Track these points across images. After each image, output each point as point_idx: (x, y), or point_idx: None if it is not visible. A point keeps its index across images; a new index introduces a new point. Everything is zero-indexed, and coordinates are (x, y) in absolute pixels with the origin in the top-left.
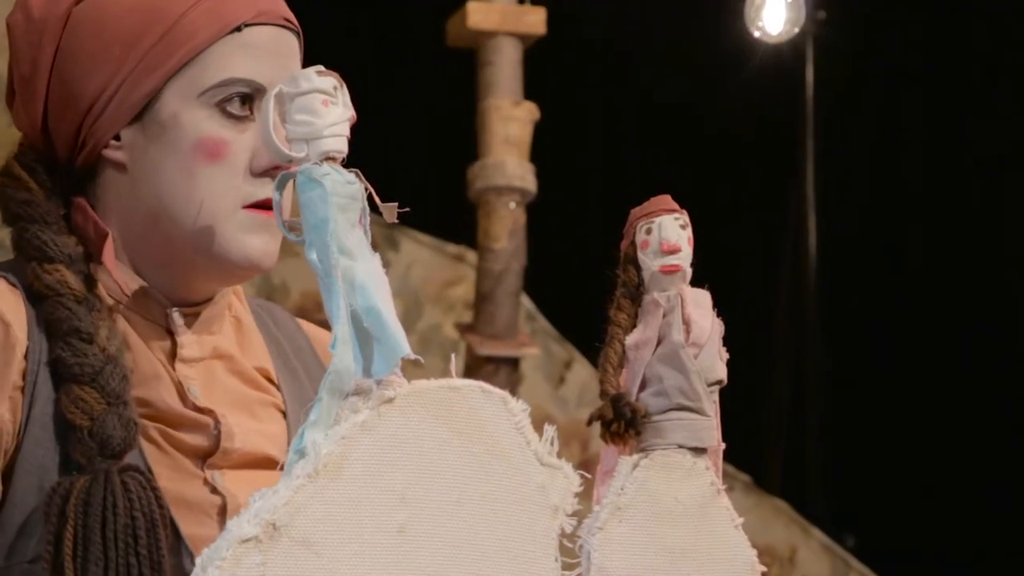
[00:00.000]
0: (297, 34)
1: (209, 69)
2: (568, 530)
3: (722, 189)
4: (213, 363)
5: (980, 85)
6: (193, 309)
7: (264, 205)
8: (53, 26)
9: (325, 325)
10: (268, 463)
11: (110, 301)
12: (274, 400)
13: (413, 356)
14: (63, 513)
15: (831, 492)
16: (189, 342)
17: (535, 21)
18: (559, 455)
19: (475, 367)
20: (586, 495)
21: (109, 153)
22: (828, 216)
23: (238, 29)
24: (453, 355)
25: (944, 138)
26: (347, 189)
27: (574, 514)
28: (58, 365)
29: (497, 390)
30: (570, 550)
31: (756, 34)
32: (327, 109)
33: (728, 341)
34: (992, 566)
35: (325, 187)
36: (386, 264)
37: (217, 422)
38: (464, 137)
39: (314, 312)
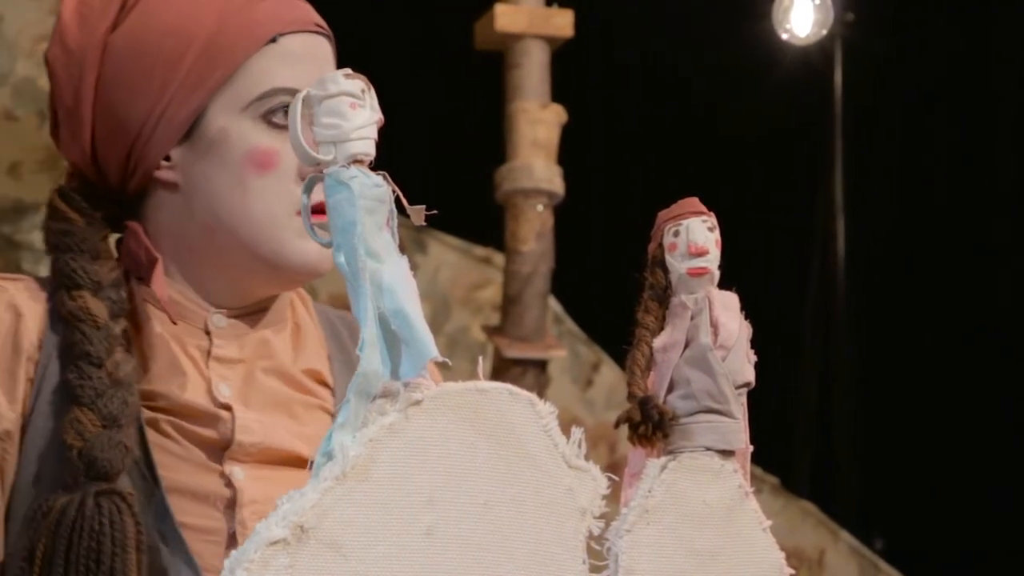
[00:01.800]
0: (329, 38)
1: (250, 82)
2: (596, 533)
3: (750, 191)
4: (253, 365)
5: (1009, 87)
6: (241, 311)
7: (317, 209)
8: (92, 56)
9: None
10: (299, 462)
11: (176, 319)
12: (321, 403)
13: (441, 358)
14: (39, 530)
15: (860, 494)
16: (227, 343)
17: (563, 24)
18: (587, 457)
19: (503, 369)
20: (614, 498)
21: (161, 174)
22: (856, 218)
23: (273, 40)
24: (481, 357)
25: (972, 140)
26: (375, 192)
27: (602, 517)
28: (65, 387)
29: (525, 392)
30: (598, 552)
31: (784, 36)
32: (355, 112)
33: (756, 344)
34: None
35: (353, 190)
36: (414, 267)
37: (233, 416)
38: (492, 140)
39: None
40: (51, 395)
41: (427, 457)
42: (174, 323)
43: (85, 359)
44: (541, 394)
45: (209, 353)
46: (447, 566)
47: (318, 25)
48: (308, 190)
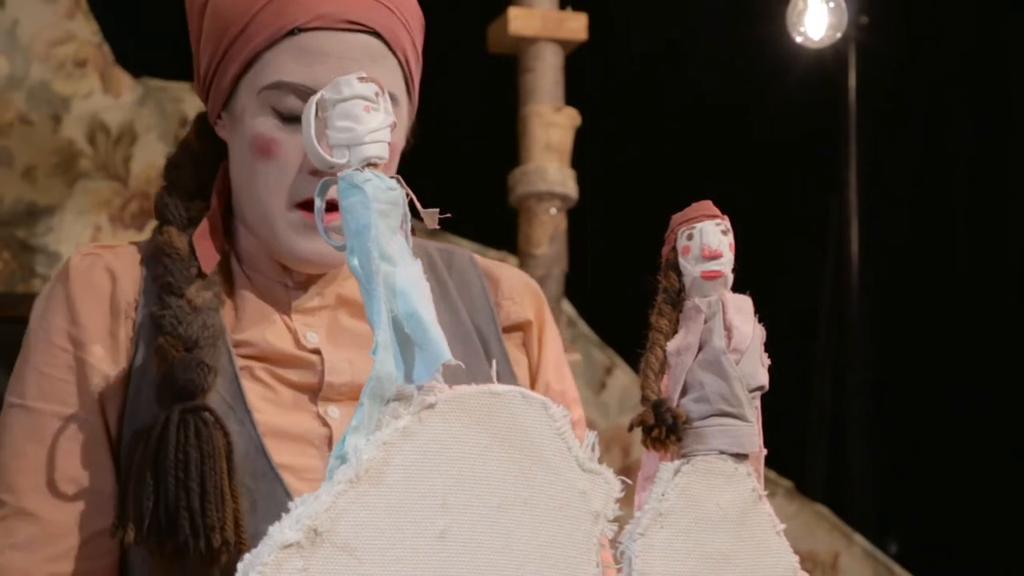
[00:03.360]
0: (374, 33)
1: (265, 71)
2: (609, 536)
3: (764, 195)
4: (337, 310)
5: None
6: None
7: (312, 205)
8: (200, 4)
9: None
10: None
11: (208, 269)
12: None
13: (454, 362)
14: (130, 453)
15: (874, 498)
16: (309, 295)
17: (576, 27)
18: (600, 461)
19: None
20: (627, 501)
21: (218, 129)
22: (870, 221)
23: (292, 33)
24: (494, 361)
25: (988, 144)
26: (388, 195)
27: (615, 520)
28: (152, 318)
29: (538, 396)
30: (612, 556)
31: (798, 40)
32: (368, 115)
33: (770, 347)
34: None
35: (366, 193)
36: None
37: (323, 359)
38: (505, 143)
39: None
40: (148, 341)
41: (441, 460)
42: (203, 274)
43: (167, 290)
44: None
45: (291, 306)
46: (460, 569)
47: (353, 23)
48: (323, 193)
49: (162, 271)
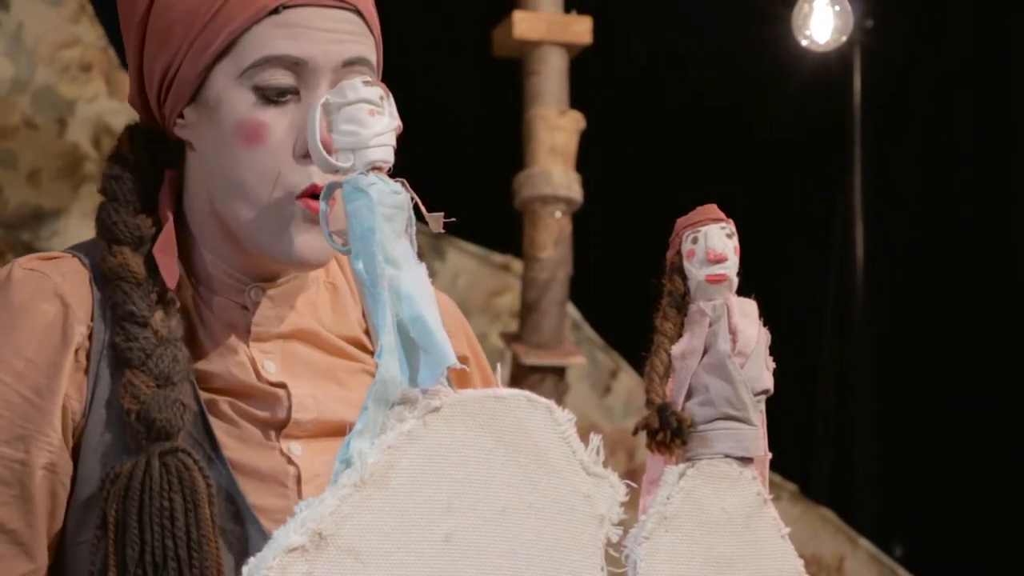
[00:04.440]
0: (357, 11)
1: (247, 50)
2: (614, 539)
3: (769, 198)
4: (293, 339)
5: None
6: (270, 285)
7: (312, 194)
8: (142, 4)
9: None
10: (339, 428)
11: (171, 284)
12: (364, 366)
13: (459, 365)
14: (109, 497)
15: (879, 502)
16: (267, 319)
17: (581, 30)
18: (605, 464)
19: (521, 376)
20: (632, 504)
21: (178, 131)
22: (875, 224)
23: (275, 11)
24: (499, 364)
25: (992, 145)
26: (393, 199)
27: (620, 523)
28: (113, 349)
29: (543, 399)
30: (616, 559)
31: (803, 43)
32: (373, 119)
33: (775, 350)
34: None
35: (371, 197)
36: (432, 274)
37: (289, 394)
38: (510, 146)
39: None
40: (111, 373)
41: (445, 464)
42: (163, 299)
43: (130, 319)
44: (559, 401)
45: (249, 332)
46: (465, 572)
47: None
48: (327, 197)
49: (122, 298)
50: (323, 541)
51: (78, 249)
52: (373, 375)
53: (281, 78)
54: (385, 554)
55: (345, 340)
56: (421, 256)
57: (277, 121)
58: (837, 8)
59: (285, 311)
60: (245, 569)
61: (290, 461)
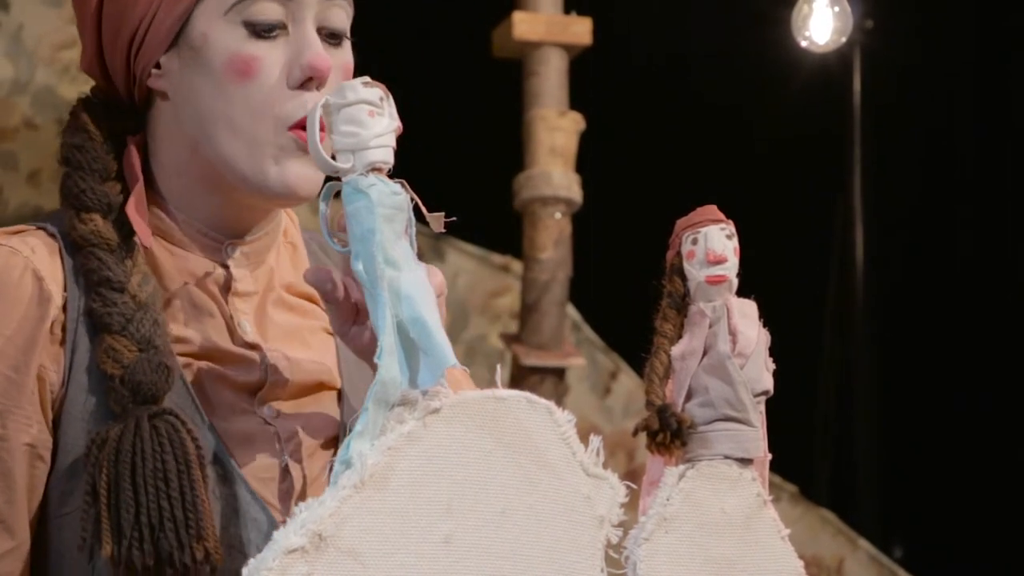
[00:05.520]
0: None
1: None
2: (614, 541)
3: (769, 199)
4: (265, 297)
5: None
6: (245, 240)
7: (299, 126)
8: None
9: None
10: (319, 388)
11: (148, 244)
12: (322, 324)
13: (460, 367)
14: (97, 462)
15: (878, 503)
16: (243, 276)
17: (581, 31)
18: (605, 466)
19: (521, 377)
20: (632, 506)
21: (152, 82)
22: (875, 226)
23: None
24: (499, 365)
25: (993, 147)
26: (393, 200)
27: (620, 525)
28: (90, 315)
29: (543, 400)
30: (616, 561)
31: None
32: (373, 120)
33: (774, 351)
34: None
35: (371, 198)
36: (431, 276)
37: (264, 357)
38: (510, 147)
39: None
40: (90, 340)
41: (445, 465)
42: (147, 247)
43: (106, 285)
44: (559, 402)
45: (229, 288)
46: (465, 574)
47: None
48: (327, 198)
49: (96, 264)
50: (323, 542)
51: (41, 220)
52: (329, 332)
53: (270, 11)
54: (385, 555)
55: (304, 298)
56: (421, 257)
57: (268, 54)
58: (836, 9)
59: (259, 267)
60: (245, 570)
61: (266, 422)
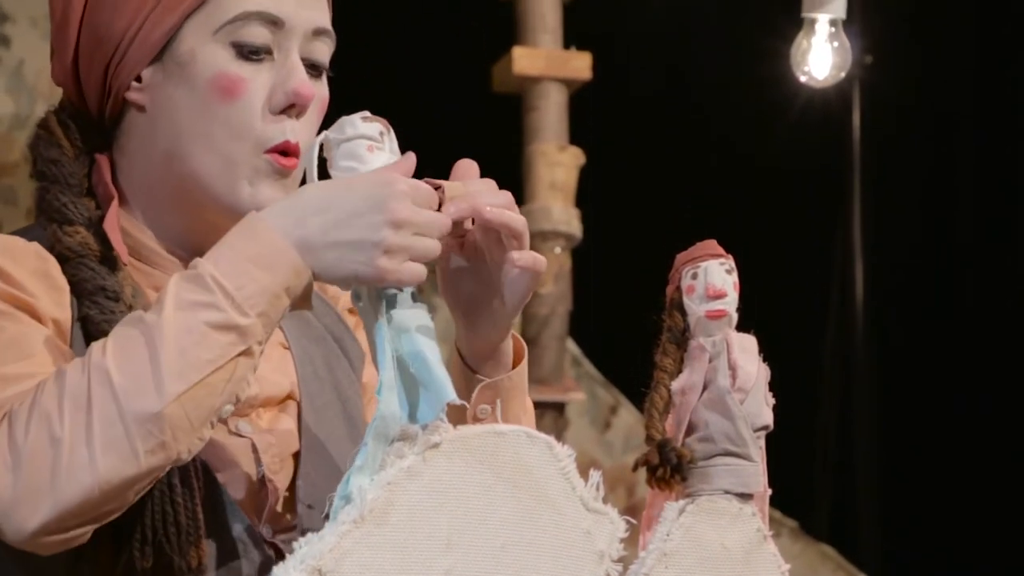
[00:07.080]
0: None
1: (224, 5)
2: None
3: (768, 234)
4: None
5: None
6: None
7: (284, 150)
8: None
9: None
10: (286, 399)
11: (126, 260)
12: (279, 339)
13: (459, 401)
14: None
15: (879, 538)
16: None
17: (580, 66)
18: (605, 500)
19: None
20: (632, 541)
21: (131, 95)
22: (875, 261)
23: None
24: (498, 400)
25: (993, 181)
26: None
27: (620, 560)
28: (87, 323)
29: (542, 435)
30: None
31: (802, 79)
32: (372, 155)
33: (775, 386)
34: None
35: None
36: (432, 309)
37: None
38: (510, 182)
39: None
40: (84, 345)
41: (445, 500)
42: (124, 264)
43: (101, 294)
44: (559, 437)
45: None
46: None
47: None
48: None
49: (89, 274)
50: None
51: (19, 235)
52: (287, 348)
53: (259, 36)
54: None
55: None
56: (421, 291)
57: (253, 77)
58: (836, 44)
59: None
60: None
61: (238, 435)
